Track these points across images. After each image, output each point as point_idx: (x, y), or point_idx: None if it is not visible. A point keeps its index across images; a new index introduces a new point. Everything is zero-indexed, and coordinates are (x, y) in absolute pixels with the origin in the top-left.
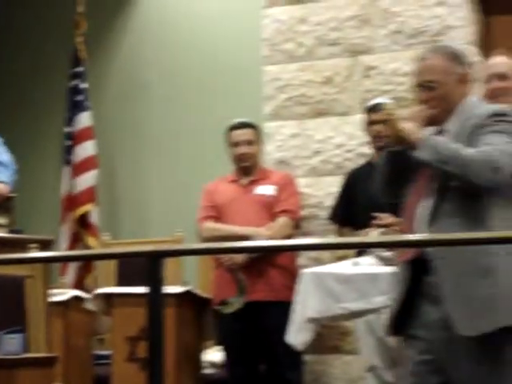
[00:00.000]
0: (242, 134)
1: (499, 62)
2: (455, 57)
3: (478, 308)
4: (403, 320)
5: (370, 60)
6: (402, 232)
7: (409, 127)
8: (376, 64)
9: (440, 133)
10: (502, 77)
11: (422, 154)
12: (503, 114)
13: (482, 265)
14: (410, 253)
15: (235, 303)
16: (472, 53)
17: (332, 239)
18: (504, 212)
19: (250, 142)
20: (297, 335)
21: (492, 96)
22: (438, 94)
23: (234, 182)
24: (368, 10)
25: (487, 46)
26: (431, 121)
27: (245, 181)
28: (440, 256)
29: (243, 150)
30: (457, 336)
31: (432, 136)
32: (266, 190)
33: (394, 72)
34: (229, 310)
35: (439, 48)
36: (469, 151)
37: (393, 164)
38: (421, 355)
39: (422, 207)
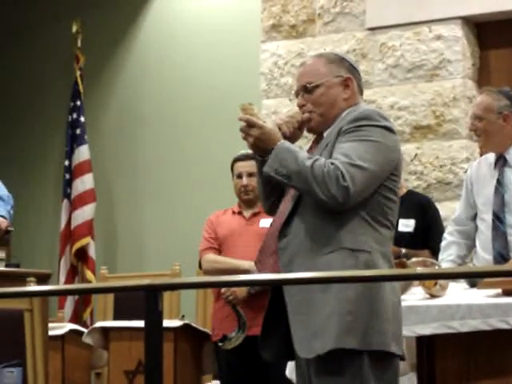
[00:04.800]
0: (245, 166)
1: (478, 102)
2: (335, 60)
3: (316, 327)
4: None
5: (368, 94)
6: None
7: (268, 127)
8: (374, 98)
9: None
10: (478, 118)
11: (267, 167)
12: (366, 118)
13: None
14: (269, 271)
15: (236, 338)
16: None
17: (337, 272)
18: (358, 227)
19: (252, 174)
20: None
21: (475, 134)
22: (315, 96)
23: (237, 213)
24: (365, 44)
25: (484, 79)
26: (309, 126)
27: (248, 213)
28: (288, 270)
29: (245, 181)
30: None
31: (287, 146)
32: (269, 223)
33: (391, 106)
34: (229, 345)
35: (319, 53)
36: (316, 165)
37: (261, 170)
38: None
39: (279, 215)
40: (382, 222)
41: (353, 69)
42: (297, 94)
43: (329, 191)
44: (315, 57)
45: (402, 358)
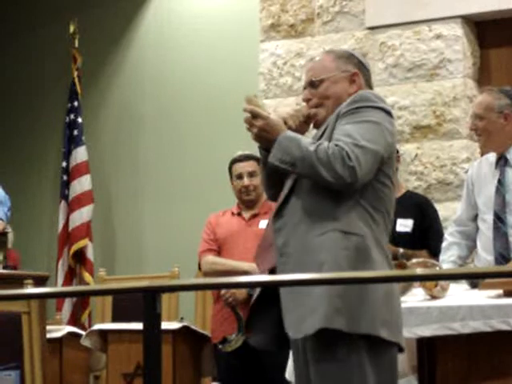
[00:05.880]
0: (245, 166)
1: (479, 101)
2: (343, 55)
3: (306, 308)
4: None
5: None
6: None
7: (273, 118)
8: None
9: None
10: (479, 117)
11: (271, 158)
12: (363, 99)
13: (317, 260)
14: (268, 263)
15: (236, 341)
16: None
17: (337, 274)
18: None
19: (252, 174)
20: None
21: (476, 134)
22: (321, 90)
23: (236, 215)
24: (365, 43)
25: (485, 79)
26: (315, 121)
27: (247, 214)
28: (283, 251)
29: (246, 181)
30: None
31: (290, 135)
32: None
33: (391, 106)
34: (230, 347)
35: (330, 49)
36: (320, 148)
37: (266, 162)
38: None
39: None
40: (376, 207)
41: (361, 65)
42: (304, 89)
43: (335, 172)
44: (325, 52)
45: (401, 348)
